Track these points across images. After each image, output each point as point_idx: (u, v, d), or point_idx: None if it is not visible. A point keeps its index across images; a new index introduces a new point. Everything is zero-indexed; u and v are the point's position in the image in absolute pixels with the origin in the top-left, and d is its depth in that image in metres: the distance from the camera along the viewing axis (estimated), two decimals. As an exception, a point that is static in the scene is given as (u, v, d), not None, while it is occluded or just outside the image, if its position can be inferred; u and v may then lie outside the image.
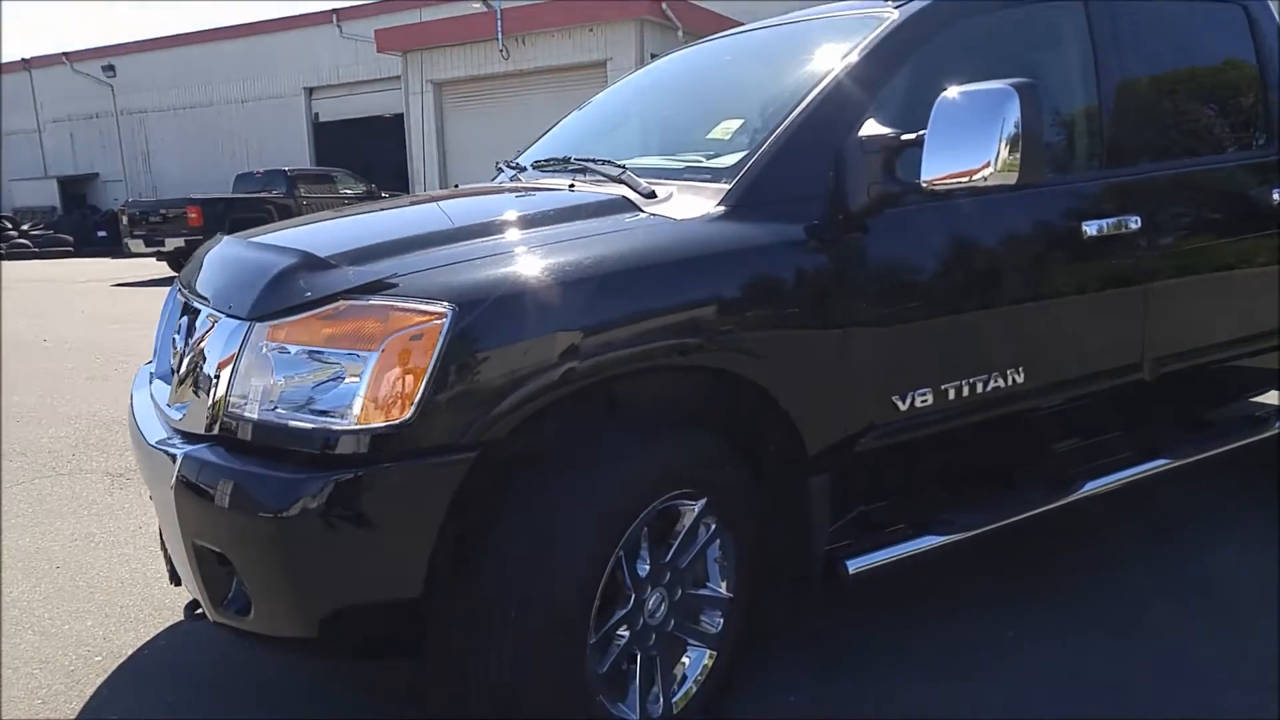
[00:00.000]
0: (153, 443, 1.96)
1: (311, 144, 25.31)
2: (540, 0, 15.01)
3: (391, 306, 1.71)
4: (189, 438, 1.88)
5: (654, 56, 14.66)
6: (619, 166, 2.36)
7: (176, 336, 2.24)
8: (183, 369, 2.02)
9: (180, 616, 2.61)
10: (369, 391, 1.66)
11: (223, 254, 2.23)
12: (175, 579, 2.18)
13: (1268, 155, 2.96)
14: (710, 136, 2.47)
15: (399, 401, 1.65)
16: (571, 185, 2.40)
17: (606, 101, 3.41)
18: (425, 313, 1.69)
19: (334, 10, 24.31)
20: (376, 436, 1.65)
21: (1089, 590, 2.80)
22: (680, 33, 15.30)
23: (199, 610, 1.97)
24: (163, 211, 14.94)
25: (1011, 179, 1.94)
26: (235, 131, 26.37)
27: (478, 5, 17.09)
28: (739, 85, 2.82)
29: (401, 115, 17.82)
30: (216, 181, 23.01)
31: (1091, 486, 2.67)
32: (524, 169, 2.92)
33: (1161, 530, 3.23)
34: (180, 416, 1.94)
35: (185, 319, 2.22)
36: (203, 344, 1.94)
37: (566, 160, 2.67)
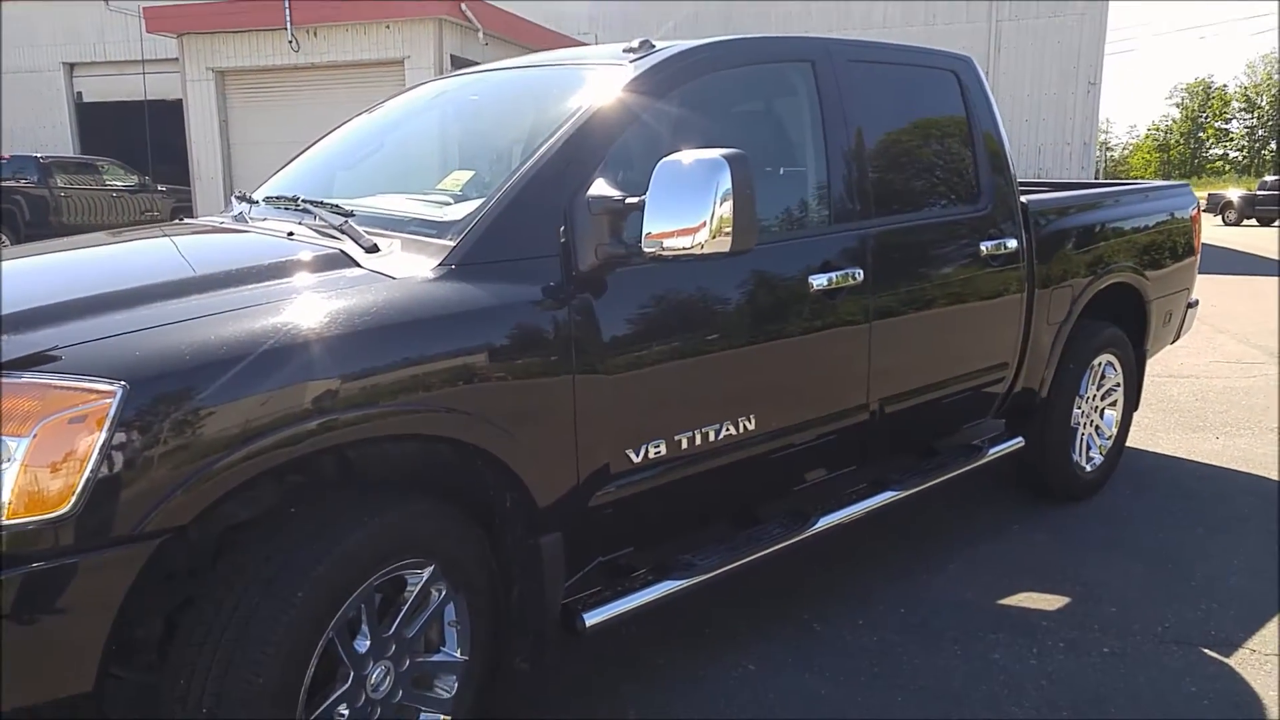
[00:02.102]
0: None
1: (74, 127, 22.78)
2: (334, -8, 14.33)
3: (49, 385, 1.53)
4: None
5: (454, 58, 14.45)
6: (344, 214, 2.25)
7: None
8: None
9: None
10: (19, 480, 1.49)
11: None
12: None
13: (977, 210, 3.25)
14: (440, 186, 2.41)
15: (57, 493, 1.49)
16: (291, 234, 2.26)
17: (360, 129, 3.26)
18: (91, 390, 1.53)
19: (99, -23, 21.94)
20: (28, 531, 1.48)
21: (829, 620, 2.97)
22: (481, 34, 15.05)
23: None
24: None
25: (725, 246, 2.01)
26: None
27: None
28: (477, 131, 2.78)
29: (180, 101, 16.45)
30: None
31: (825, 521, 2.84)
32: (256, 203, 2.74)
33: (907, 552, 3.48)
34: None
35: None
36: None
37: (295, 200, 2.52)
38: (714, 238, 2.00)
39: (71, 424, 1.50)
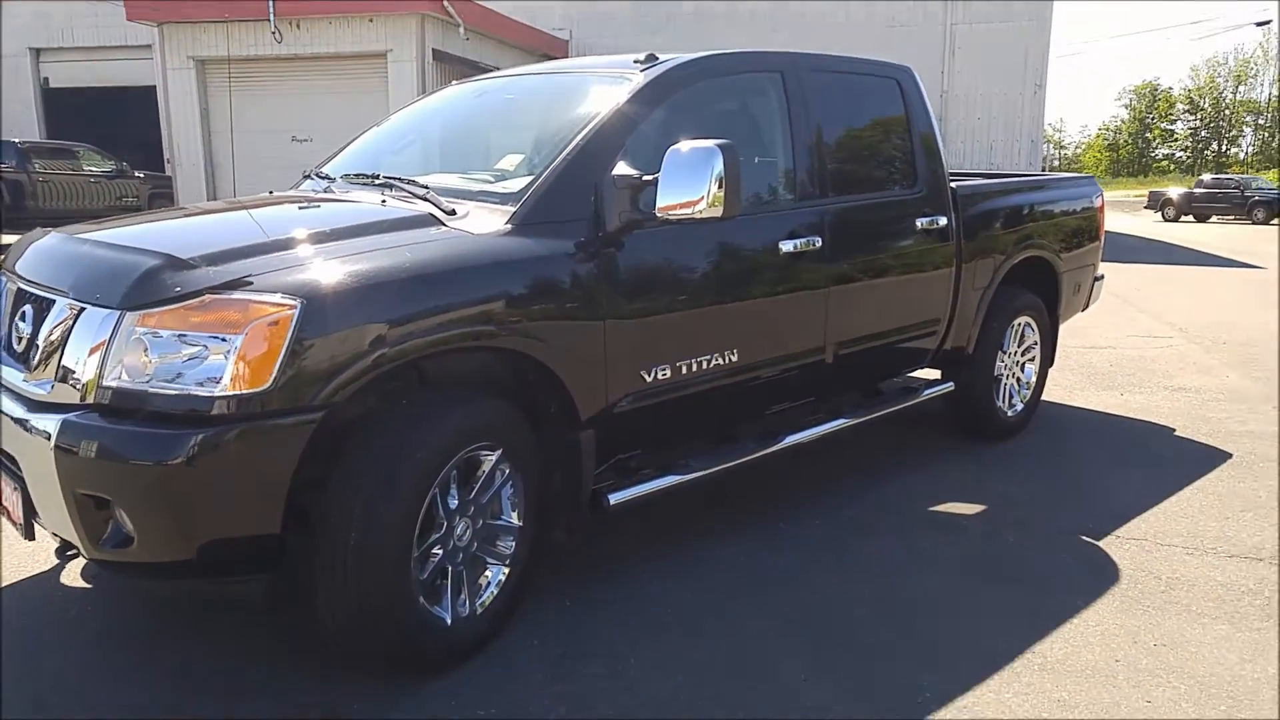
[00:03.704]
0: (14, 414, 2.29)
1: (40, 112, 22.59)
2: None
3: (252, 300, 2.18)
4: (58, 408, 2.23)
5: (435, 53, 14.90)
6: (423, 186, 2.91)
7: (21, 323, 2.52)
8: (41, 350, 2.35)
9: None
10: (234, 365, 2.13)
11: (70, 250, 2.56)
12: (29, 534, 2.46)
13: (914, 193, 3.98)
14: (498, 166, 3.08)
15: (260, 373, 2.13)
16: (384, 200, 2.91)
17: (403, 121, 3.90)
18: (280, 304, 2.17)
19: (67, -37, 21.80)
20: (242, 399, 2.13)
21: (793, 520, 3.69)
22: (462, 29, 15.55)
23: (71, 551, 2.32)
24: None
25: (718, 213, 2.70)
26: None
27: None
28: (519, 125, 3.45)
29: (154, 87, 16.64)
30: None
31: (790, 439, 3.54)
32: (334, 180, 3.37)
33: (858, 474, 4.21)
34: (46, 391, 2.29)
35: (29, 307, 2.51)
36: (66, 329, 2.29)
37: (375, 176, 3.16)
38: (710, 207, 2.69)
39: (269, 326, 2.15)
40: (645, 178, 2.77)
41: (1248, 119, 70.41)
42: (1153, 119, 76.01)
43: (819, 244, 3.43)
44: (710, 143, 2.68)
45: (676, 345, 3.01)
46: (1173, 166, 71.66)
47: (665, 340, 2.98)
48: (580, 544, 3.02)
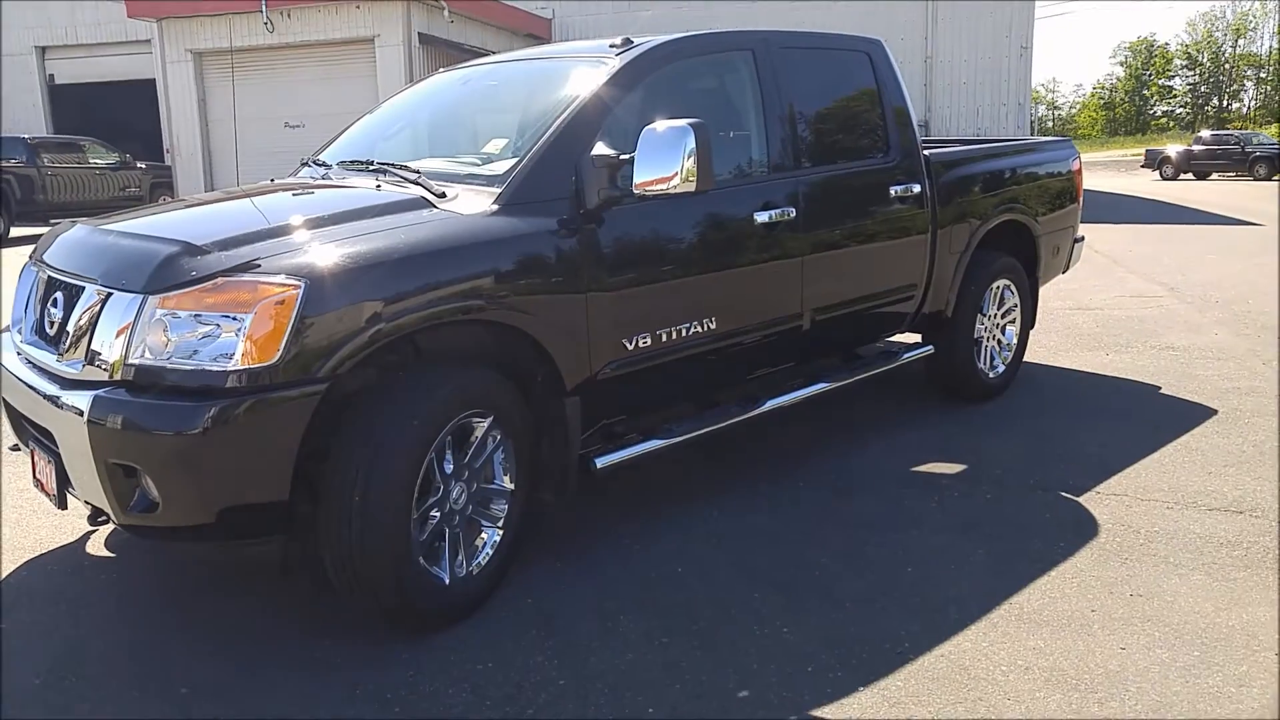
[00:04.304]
0: (48, 393, 2.50)
1: (47, 108, 23.07)
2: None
3: (259, 281, 2.37)
4: (89, 385, 2.43)
5: (421, 36, 15.02)
6: (415, 171, 3.08)
7: (53, 309, 2.72)
8: (71, 333, 2.55)
9: (29, 555, 3.21)
10: (245, 342, 2.32)
11: (95, 241, 2.76)
12: (62, 503, 2.67)
13: (887, 162, 4.14)
14: (484, 149, 3.25)
15: (269, 348, 2.32)
16: (378, 185, 3.09)
17: (394, 108, 4.07)
18: (285, 285, 2.36)
19: (70, -35, 22.20)
20: (253, 373, 2.32)
21: (775, 481, 3.88)
22: (446, 12, 15.65)
23: (102, 518, 2.53)
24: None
25: (692, 187, 2.87)
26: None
27: (236, -30, 16.49)
28: (503, 109, 3.62)
29: (153, 80, 16.90)
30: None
31: (772, 404, 3.72)
32: (331, 166, 3.55)
33: (841, 436, 4.39)
34: (77, 371, 2.49)
35: (60, 294, 2.71)
36: (94, 313, 2.49)
37: (369, 163, 3.34)
38: (684, 182, 2.86)
39: (276, 305, 2.33)
40: (622, 157, 2.94)
41: (1249, 73, 69.87)
42: (1150, 76, 75.48)
43: (793, 214, 3.60)
44: (683, 122, 2.85)
45: (656, 315, 3.19)
46: (1172, 124, 71.24)
47: (645, 310, 3.15)
48: (567, 504, 3.19)
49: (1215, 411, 4.64)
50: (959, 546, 3.23)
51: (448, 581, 2.71)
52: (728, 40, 3.67)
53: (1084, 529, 3.34)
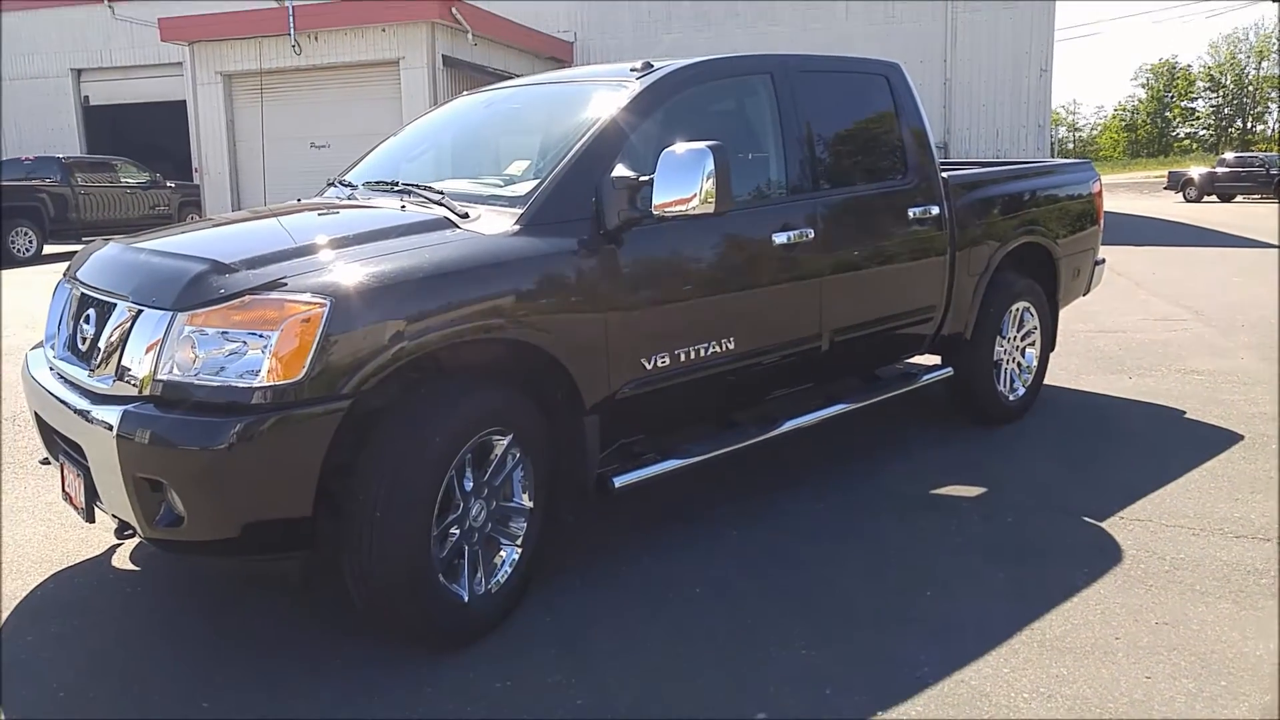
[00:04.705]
0: (79, 407, 2.55)
1: (81, 128, 23.70)
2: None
3: (286, 300, 2.41)
4: (118, 400, 2.48)
5: (445, 58, 15.26)
6: (438, 192, 3.13)
7: (85, 325, 2.78)
8: (103, 349, 2.60)
9: (56, 567, 3.26)
10: (271, 359, 2.36)
11: (128, 259, 2.82)
12: (90, 517, 2.71)
13: (905, 184, 4.15)
14: (506, 171, 3.30)
15: (294, 365, 2.36)
16: (403, 206, 3.14)
17: (417, 131, 4.14)
18: (311, 303, 2.40)
19: (106, -10, 22.89)
20: (278, 390, 2.36)
21: (796, 500, 3.87)
22: (470, 35, 15.88)
23: (128, 531, 2.58)
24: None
25: (711, 209, 2.90)
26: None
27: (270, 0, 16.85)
28: (525, 131, 3.67)
29: (183, 102, 17.29)
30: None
31: (791, 424, 3.72)
32: (356, 187, 3.61)
33: (862, 458, 4.38)
34: (108, 386, 2.54)
35: (92, 310, 2.77)
36: (125, 329, 2.54)
37: (394, 183, 3.39)
38: (702, 203, 2.89)
39: (301, 323, 2.37)
40: (642, 178, 2.97)
41: (1273, 95, 69.36)
42: (1172, 97, 75.07)
43: (811, 235, 3.61)
44: (702, 144, 2.88)
45: (675, 335, 3.20)
46: (1195, 145, 70.69)
47: (664, 330, 3.17)
48: (585, 523, 3.20)
49: (1241, 437, 4.58)
50: (980, 570, 3.21)
51: (467, 599, 2.72)
52: (747, 64, 3.72)
53: (1107, 554, 3.30)
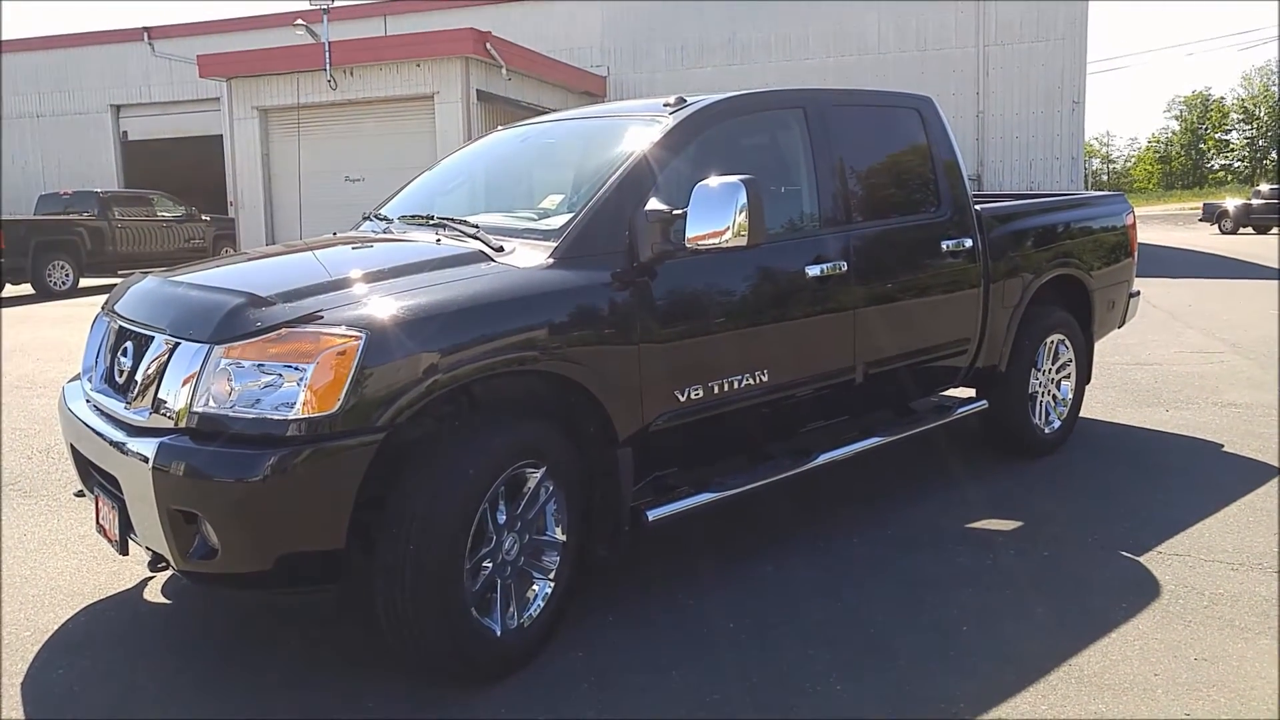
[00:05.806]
0: (115, 439, 2.57)
1: (119, 163, 24.30)
2: (369, 35, 15.52)
3: (321, 333, 2.43)
4: (154, 433, 2.50)
5: (479, 93, 15.49)
6: (473, 225, 3.16)
7: (123, 358, 2.82)
8: (140, 382, 2.63)
9: (88, 600, 3.28)
10: (306, 392, 2.37)
11: (165, 292, 2.86)
12: (124, 549, 2.73)
13: (938, 216, 4.13)
14: (540, 205, 3.32)
15: (329, 398, 2.37)
16: (438, 240, 3.17)
17: (452, 165, 4.19)
18: (346, 336, 2.42)
19: (144, 28, 23.55)
20: (313, 422, 2.37)
21: (831, 538, 3.81)
22: (504, 70, 16.12)
23: (161, 563, 2.59)
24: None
25: (743, 242, 2.90)
26: (29, 148, 24.86)
27: (301, 32, 17.25)
28: (559, 166, 3.70)
29: (219, 136, 17.69)
30: (9, 201, 21.69)
31: (825, 457, 3.67)
32: (392, 220, 3.65)
33: (898, 492, 4.33)
34: (144, 418, 2.56)
35: (130, 343, 2.81)
36: (162, 362, 2.57)
37: (429, 217, 3.43)
38: (735, 237, 2.89)
39: (337, 356, 2.39)
40: (675, 212, 2.98)
41: (1308, 127, 68.67)
42: (1206, 129, 74.53)
43: (844, 268, 3.60)
44: (735, 178, 2.88)
45: (708, 367, 3.19)
46: (1230, 177, 69.99)
47: (698, 362, 3.16)
48: (620, 559, 3.18)
49: (1280, 470, 4.49)
50: (1016, 605, 3.16)
51: (499, 633, 2.70)
52: (779, 98, 3.73)
53: (1145, 589, 3.25)
